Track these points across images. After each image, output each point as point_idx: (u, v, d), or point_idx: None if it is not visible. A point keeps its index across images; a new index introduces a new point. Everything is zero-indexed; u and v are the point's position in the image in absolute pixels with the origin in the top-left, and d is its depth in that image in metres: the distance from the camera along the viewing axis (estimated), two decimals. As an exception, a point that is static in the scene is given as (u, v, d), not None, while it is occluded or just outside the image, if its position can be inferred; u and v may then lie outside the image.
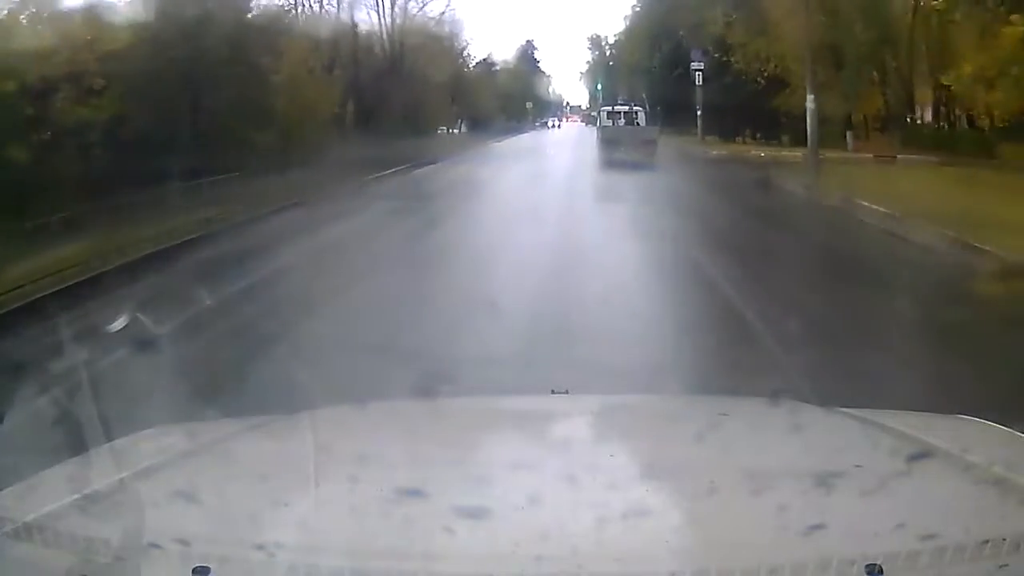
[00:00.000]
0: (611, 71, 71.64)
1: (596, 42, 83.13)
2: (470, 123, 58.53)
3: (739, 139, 37.24)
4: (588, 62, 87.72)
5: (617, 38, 70.69)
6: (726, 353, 6.13)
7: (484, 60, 71.52)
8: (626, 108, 33.45)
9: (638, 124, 30.90)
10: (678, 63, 41.98)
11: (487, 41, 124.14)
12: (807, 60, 21.40)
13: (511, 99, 73.82)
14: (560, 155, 35.96)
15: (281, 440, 2.10)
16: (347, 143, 29.36)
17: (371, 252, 12.09)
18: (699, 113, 37.05)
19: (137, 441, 2.04)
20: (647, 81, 51.09)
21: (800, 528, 1.46)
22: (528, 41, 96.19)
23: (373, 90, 35.87)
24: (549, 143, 49.04)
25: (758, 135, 37.02)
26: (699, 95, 36.78)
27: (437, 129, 48.34)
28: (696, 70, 35.57)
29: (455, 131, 54.95)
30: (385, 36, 37.60)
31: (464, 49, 51.44)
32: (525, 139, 52.98)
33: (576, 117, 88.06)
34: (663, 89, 45.37)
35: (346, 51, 33.10)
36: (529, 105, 79.47)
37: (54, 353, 3.48)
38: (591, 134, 40.23)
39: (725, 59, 33.12)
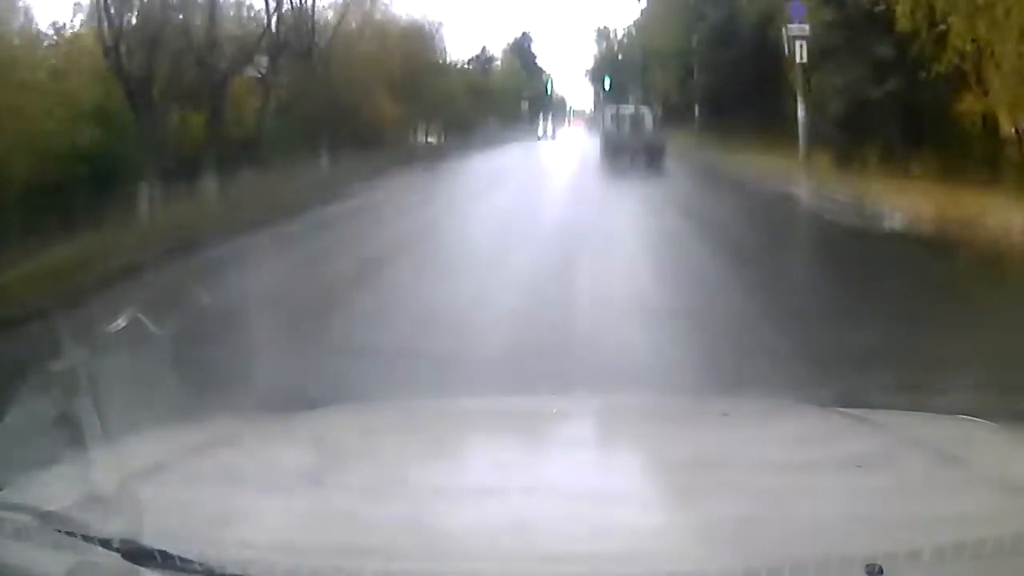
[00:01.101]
0: (621, 68, 61.14)
1: (604, 34, 72.53)
2: (448, 130, 46.85)
3: (858, 164, 19.67)
4: (595, 56, 75.88)
5: (628, 29, 61.11)
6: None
7: (478, 56, 62.65)
8: (632, 110, 30.54)
9: (645, 128, 28.53)
10: (731, 40, 27.44)
11: (478, 36, 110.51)
12: None
13: (504, 101, 63.24)
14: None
15: (281, 440, 2.12)
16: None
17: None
18: (801, 116, 20.60)
19: (137, 441, 2.04)
20: (679, 71, 36.23)
21: (800, 528, 1.49)
22: (524, 33, 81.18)
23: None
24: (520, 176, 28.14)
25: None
26: (802, 85, 20.60)
27: (408, 138, 38.78)
28: (797, 38, 19.73)
29: (430, 140, 43.87)
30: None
31: (425, 29, 36.90)
32: (494, 164, 32.52)
33: (581, 122, 75.86)
34: (709, 80, 30.44)
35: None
36: (524, 106, 67.44)
37: None
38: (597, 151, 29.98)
39: (876, 7, 16.45)
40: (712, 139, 32.06)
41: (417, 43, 37.22)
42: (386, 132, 33.90)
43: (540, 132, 65.53)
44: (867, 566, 1.31)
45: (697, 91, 33.13)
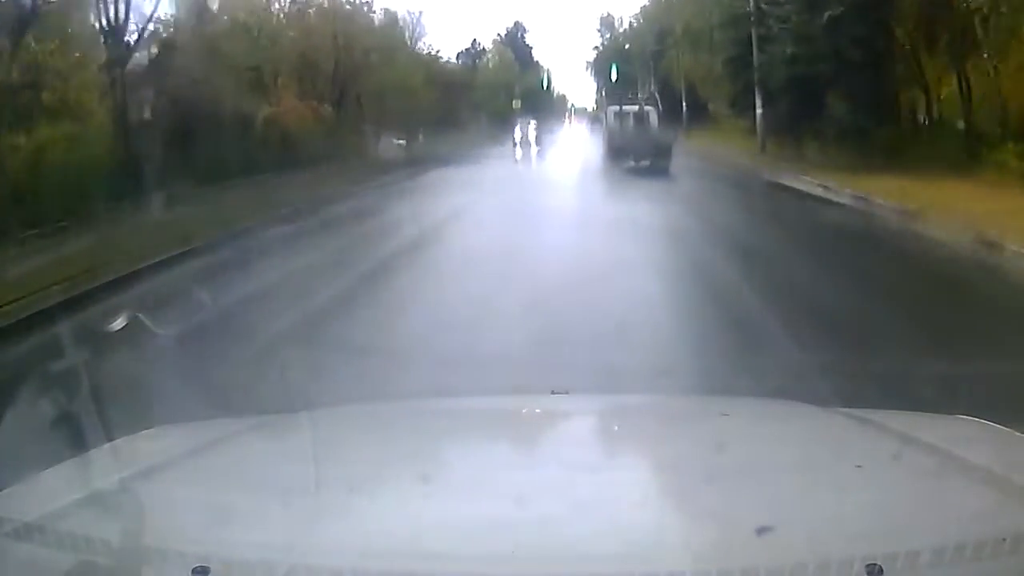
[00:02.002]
0: (628, 59, 55.85)
1: (608, 22, 68.27)
2: (413, 134, 37.15)
3: None
4: (596, 47, 70.23)
5: (636, 16, 57.21)
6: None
7: (468, 49, 58.62)
8: (636, 108, 28.69)
9: (651, 127, 26.92)
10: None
11: (470, 28, 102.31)
12: None
13: (493, 98, 56.37)
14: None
15: (281, 440, 2.14)
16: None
17: None
18: None
19: (137, 441, 2.09)
20: (727, 48, 25.97)
21: (800, 528, 1.51)
22: (517, 23, 71.82)
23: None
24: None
25: None
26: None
27: (349, 148, 28.10)
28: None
29: (399, 141, 34.11)
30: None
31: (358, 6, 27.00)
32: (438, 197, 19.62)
33: (584, 121, 69.63)
34: (780, 60, 19.73)
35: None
36: (517, 104, 59.06)
37: None
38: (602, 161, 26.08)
39: None
40: (789, 152, 21.06)
41: (349, 23, 26.48)
42: (306, 142, 23.37)
43: (516, 137, 45.12)
44: (867, 566, 1.34)
45: (765, 76, 21.64)
